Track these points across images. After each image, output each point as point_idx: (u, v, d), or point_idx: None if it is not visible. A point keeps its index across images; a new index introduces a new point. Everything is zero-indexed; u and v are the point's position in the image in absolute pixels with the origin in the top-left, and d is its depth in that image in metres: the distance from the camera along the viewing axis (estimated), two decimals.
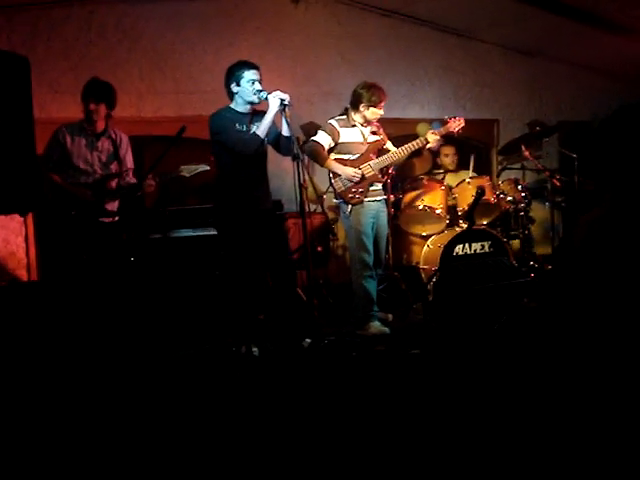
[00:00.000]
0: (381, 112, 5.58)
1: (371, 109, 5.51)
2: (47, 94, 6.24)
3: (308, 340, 4.86)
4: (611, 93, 8.95)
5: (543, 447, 3.08)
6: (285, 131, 4.78)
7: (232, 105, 4.91)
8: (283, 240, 5.06)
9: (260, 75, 4.82)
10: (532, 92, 8.88)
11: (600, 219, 2.75)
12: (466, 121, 5.97)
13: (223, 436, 3.45)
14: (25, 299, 5.33)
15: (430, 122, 8.02)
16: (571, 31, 7.99)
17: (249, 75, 4.78)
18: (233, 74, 4.83)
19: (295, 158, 4.61)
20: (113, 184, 5.34)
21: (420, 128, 8.05)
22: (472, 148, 8.12)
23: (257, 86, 4.77)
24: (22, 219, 6.06)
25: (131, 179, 5.42)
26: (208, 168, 5.32)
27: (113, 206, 5.38)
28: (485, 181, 6.56)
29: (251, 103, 4.86)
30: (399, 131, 6.87)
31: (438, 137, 5.71)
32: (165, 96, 6.84)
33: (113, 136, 5.35)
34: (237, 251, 4.83)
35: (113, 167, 5.35)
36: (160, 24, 6.75)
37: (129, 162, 5.45)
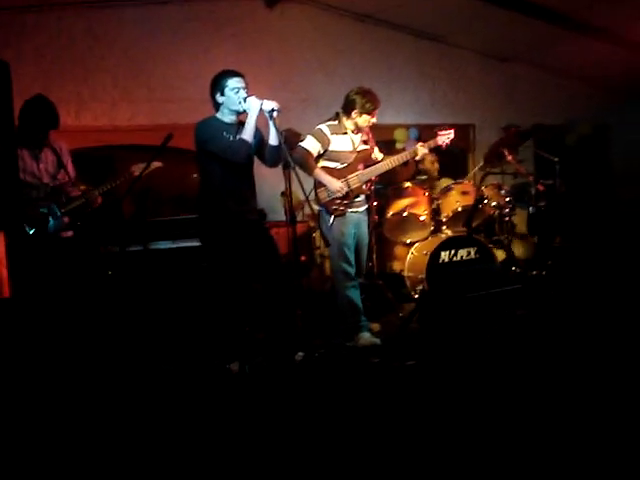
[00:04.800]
0: (373, 120, 5.33)
1: (364, 116, 5.28)
2: (17, 101, 5.98)
3: (301, 354, 4.70)
4: (585, 96, 9.02)
5: (542, 452, 3.04)
6: (273, 140, 4.56)
7: (218, 115, 4.70)
8: (274, 251, 4.87)
9: (245, 83, 4.63)
10: (507, 97, 8.87)
11: None
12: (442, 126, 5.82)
13: (215, 452, 3.31)
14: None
15: (407, 128, 7.99)
16: (545, 35, 8.01)
17: (233, 83, 4.58)
18: (217, 84, 4.64)
19: (287, 167, 4.46)
20: (69, 192, 5.12)
21: (397, 134, 8.02)
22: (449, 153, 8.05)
23: (242, 94, 4.57)
24: None
25: (75, 191, 5.16)
26: (160, 164, 5.14)
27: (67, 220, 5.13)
28: (469, 186, 6.49)
29: (237, 112, 4.66)
30: (375, 137, 6.74)
31: (427, 151, 5.55)
32: (139, 104, 6.66)
33: (53, 145, 5.09)
34: (224, 263, 4.65)
35: (60, 177, 5.11)
36: (133, 30, 6.56)
37: (71, 171, 5.18)
